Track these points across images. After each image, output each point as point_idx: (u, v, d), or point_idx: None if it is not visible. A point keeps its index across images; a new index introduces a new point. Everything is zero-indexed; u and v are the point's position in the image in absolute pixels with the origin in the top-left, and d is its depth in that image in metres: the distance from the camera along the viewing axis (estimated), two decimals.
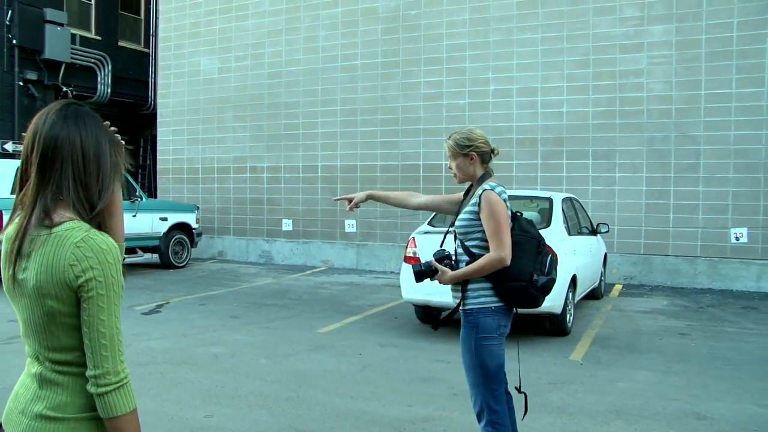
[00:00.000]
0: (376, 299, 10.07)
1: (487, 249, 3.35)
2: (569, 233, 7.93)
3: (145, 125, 21.83)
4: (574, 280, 7.67)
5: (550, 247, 3.50)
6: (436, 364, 6.38)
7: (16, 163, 11.66)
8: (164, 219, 13.46)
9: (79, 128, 1.65)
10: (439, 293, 7.43)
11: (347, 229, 14.00)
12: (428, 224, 8.07)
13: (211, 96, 15.89)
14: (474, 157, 3.47)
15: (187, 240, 14.03)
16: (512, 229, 3.36)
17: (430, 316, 8.19)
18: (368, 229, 13.82)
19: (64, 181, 1.62)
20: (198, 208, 14.67)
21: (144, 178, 22.82)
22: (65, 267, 1.57)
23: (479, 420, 3.44)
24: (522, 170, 12.35)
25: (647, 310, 9.20)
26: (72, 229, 1.60)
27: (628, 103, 11.52)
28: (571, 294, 7.59)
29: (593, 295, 9.66)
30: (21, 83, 19.06)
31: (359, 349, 6.92)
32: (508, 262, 3.27)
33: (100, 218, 1.71)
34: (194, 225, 14.20)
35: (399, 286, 8.01)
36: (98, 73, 20.68)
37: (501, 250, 3.26)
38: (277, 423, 4.72)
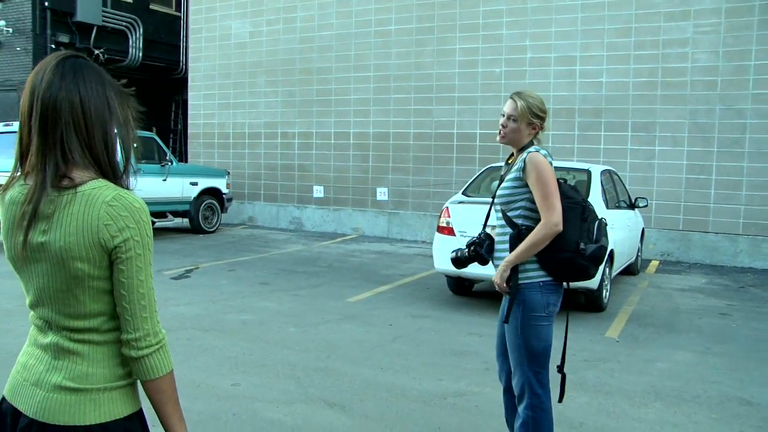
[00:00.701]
0: (407, 269, 9.94)
1: (531, 219, 3.16)
2: (607, 207, 7.69)
3: (176, 89, 21.81)
4: (611, 255, 7.45)
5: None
6: (468, 337, 6.24)
7: None
8: (194, 184, 13.42)
9: (78, 85, 1.53)
10: (472, 264, 7.27)
11: (379, 197, 13.86)
12: (462, 194, 7.87)
13: (243, 60, 15.74)
14: (536, 127, 3.28)
15: (217, 205, 14.00)
16: (562, 195, 3.15)
17: (462, 288, 8.05)
18: (400, 197, 13.66)
19: (70, 144, 1.52)
20: (228, 173, 14.61)
21: (175, 142, 22.86)
22: (99, 227, 1.48)
23: (519, 402, 3.27)
24: (558, 141, 12.05)
25: (685, 287, 8.95)
26: (99, 187, 1.51)
27: (670, 74, 11.12)
28: (607, 269, 7.38)
29: (629, 270, 9.43)
30: (53, 46, 19.07)
31: (390, 320, 6.81)
32: (561, 228, 3.05)
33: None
34: (224, 190, 14.15)
35: (431, 256, 7.87)
36: (129, 36, 20.64)
37: (552, 215, 3.04)
38: (305, 393, 4.62)
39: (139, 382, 1.63)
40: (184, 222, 14.02)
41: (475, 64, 12.79)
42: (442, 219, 7.57)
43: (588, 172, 7.85)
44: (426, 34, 13.30)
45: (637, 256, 9.69)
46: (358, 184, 14.11)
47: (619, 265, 8.13)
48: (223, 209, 14.20)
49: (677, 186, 11.17)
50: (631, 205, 9.07)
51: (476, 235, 3.53)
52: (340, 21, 14.33)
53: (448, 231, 7.44)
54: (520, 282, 3.15)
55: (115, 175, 1.59)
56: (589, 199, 7.09)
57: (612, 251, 7.43)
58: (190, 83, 16.81)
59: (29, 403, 1.57)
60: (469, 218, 7.33)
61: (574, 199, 3.19)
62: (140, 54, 20.81)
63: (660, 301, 8.08)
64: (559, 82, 12.04)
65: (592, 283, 6.98)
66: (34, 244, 1.52)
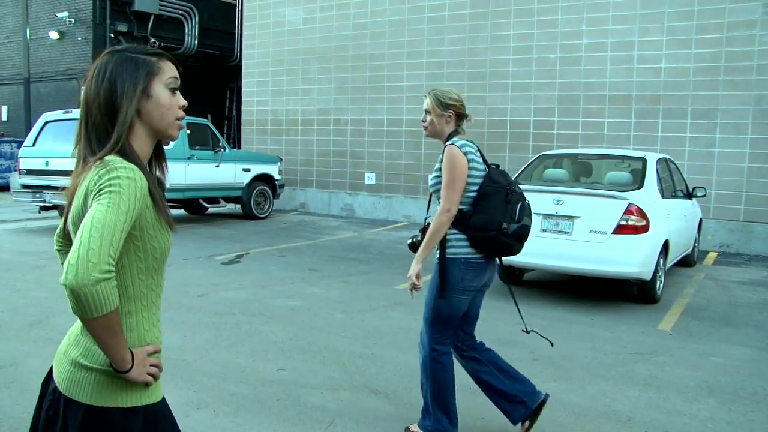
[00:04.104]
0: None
1: (465, 203, 3.51)
2: (663, 196, 7.48)
3: (230, 77, 22.07)
4: (666, 246, 7.25)
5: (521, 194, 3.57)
6: (516, 326, 6.14)
7: None
8: (247, 170, 13.58)
9: (107, 77, 1.65)
10: (523, 253, 7.16)
11: None
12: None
13: (296, 47, 15.81)
14: (450, 116, 3.64)
15: (269, 191, 14.14)
16: (483, 181, 3.49)
17: (513, 277, 7.95)
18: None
19: (94, 134, 1.66)
20: (281, 159, 14.74)
21: (229, 129, 23.16)
22: (88, 194, 1.56)
23: (421, 346, 3.73)
24: (614, 129, 11.78)
25: (744, 281, 8.66)
26: (101, 164, 1.58)
27: (735, 59, 10.72)
28: (662, 260, 7.18)
29: (685, 262, 9.17)
30: (112, 35, 19.50)
31: None
32: (454, 212, 3.43)
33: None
34: (277, 176, 14.28)
35: None
36: (185, 24, 20.95)
37: (446, 203, 3.42)
38: (349, 380, 4.63)
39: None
40: (237, 208, 14.20)
41: (529, 50, 12.58)
42: None
43: (643, 161, 7.64)
44: (480, 20, 13.13)
45: (694, 247, 9.41)
46: (410, 172, 14.06)
47: (674, 256, 7.91)
48: (275, 195, 14.34)
49: (739, 175, 10.79)
50: (689, 195, 8.80)
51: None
52: (393, 7, 14.26)
53: None
54: (448, 256, 3.54)
55: (114, 151, 1.62)
56: (644, 188, 7.00)
57: (667, 241, 7.23)
58: (244, 70, 16.98)
59: (57, 372, 1.71)
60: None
61: (499, 184, 3.50)
62: (196, 42, 21.12)
63: (717, 293, 7.84)
64: (616, 69, 11.74)
65: (646, 274, 6.81)
66: (69, 224, 1.68)
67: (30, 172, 11.68)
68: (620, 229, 6.70)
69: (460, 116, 3.68)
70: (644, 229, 6.72)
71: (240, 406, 4.12)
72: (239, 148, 17.56)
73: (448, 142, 3.55)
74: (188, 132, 12.51)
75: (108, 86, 1.64)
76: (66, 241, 1.84)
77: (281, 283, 7.71)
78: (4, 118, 22.38)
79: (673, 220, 7.61)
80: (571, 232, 6.88)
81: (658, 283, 7.16)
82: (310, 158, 15.72)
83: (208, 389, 4.38)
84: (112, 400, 1.61)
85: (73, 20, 19.72)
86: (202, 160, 12.42)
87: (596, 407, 4.28)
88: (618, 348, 5.57)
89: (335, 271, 8.57)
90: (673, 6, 11.20)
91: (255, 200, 13.83)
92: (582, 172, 8.48)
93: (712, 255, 10.61)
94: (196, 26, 20.99)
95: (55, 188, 11.24)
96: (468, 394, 4.44)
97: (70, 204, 1.65)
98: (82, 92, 1.67)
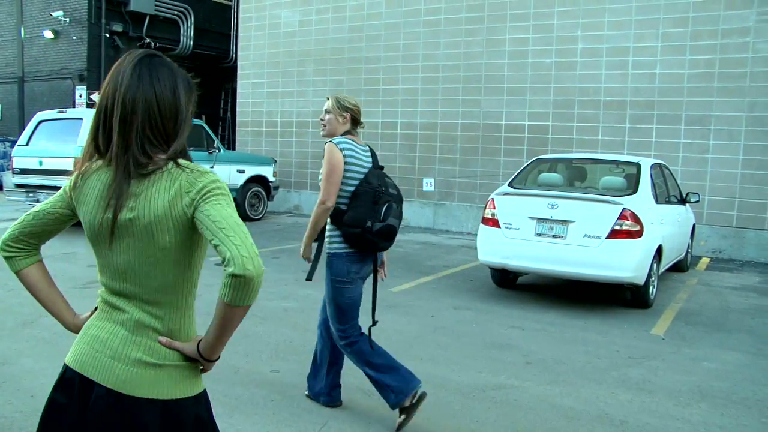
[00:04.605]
0: (451, 260, 9.88)
1: (341, 197, 3.80)
2: (657, 201, 7.51)
3: (225, 78, 22.03)
4: (659, 251, 7.27)
5: (394, 196, 3.90)
6: (510, 330, 6.17)
7: None
8: (241, 171, 13.57)
9: (154, 86, 1.68)
10: (517, 257, 7.22)
11: (425, 188, 13.81)
12: (508, 185, 7.77)
13: (292, 49, 15.82)
14: (347, 119, 3.97)
15: (263, 193, 14.13)
16: (360, 183, 3.78)
17: (506, 280, 7.96)
18: (446, 188, 13.58)
19: (147, 136, 1.67)
20: (275, 161, 14.73)
21: (224, 130, 23.14)
22: (182, 194, 1.62)
23: (337, 342, 4.03)
24: (608, 134, 11.82)
25: (737, 286, 8.70)
26: (177, 167, 1.67)
27: (729, 65, 10.78)
28: (655, 265, 7.21)
29: (678, 267, 9.21)
30: (107, 35, 19.47)
31: (431, 311, 6.77)
32: (330, 204, 3.72)
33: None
34: (271, 178, 14.27)
35: (476, 248, 7.79)
36: (181, 25, 20.93)
37: (322, 195, 3.73)
38: (343, 381, 4.62)
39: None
40: None
41: (525, 54, 12.62)
42: (487, 210, 7.49)
43: (638, 166, 7.67)
44: (475, 24, 13.16)
45: (687, 252, 9.44)
46: (404, 174, 14.07)
47: (667, 261, 7.94)
48: (270, 197, 14.33)
49: (732, 181, 10.84)
50: (682, 200, 8.84)
51: None
52: (389, 10, 14.28)
53: (494, 223, 7.36)
54: (329, 251, 3.86)
55: (184, 156, 1.74)
56: (638, 193, 7.03)
57: (660, 246, 7.26)
58: (239, 72, 16.97)
59: (107, 375, 1.66)
60: (515, 210, 7.24)
61: (371, 185, 3.78)
62: (191, 43, 21.09)
63: (710, 299, 7.87)
64: (611, 74, 11.79)
65: (639, 279, 6.84)
66: (122, 221, 1.65)
67: (23, 171, 11.65)
68: (614, 234, 6.72)
69: (355, 121, 4.02)
70: (638, 234, 6.74)
71: (233, 407, 4.11)
72: (234, 149, 17.53)
73: (329, 140, 3.85)
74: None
75: (172, 92, 1.71)
76: (29, 244, 1.83)
77: (275, 284, 7.70)
78: None
79: (666, 226, 7.64)
80: (566, 237, 6.90)
81: (651, 287, 7.19)
82: (304, 160, 15.71)
83: None
84: (183, 391, 1.71)
85: (68, 19, 19.66)
86: (197, 160, 12.34)
87: (589, 411, 4.29)
88: (611, 352, 5.59)
89: None
90: (668, 12, 11.25)
91: (249, 202, 13.82)
92: (576, 176, 8.51)
93: (705, 260, 10.66)
94: (192, 27, 20.96)
95: (49, 188, 11.20)
96: (461, 397, 4.45)
97: (118, 194, 1.64)
98: (124, 91, 1.67)
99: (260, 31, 16.44)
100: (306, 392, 4.32)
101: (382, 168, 3.99)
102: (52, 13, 19.87)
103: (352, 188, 3.79)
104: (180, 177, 1.65)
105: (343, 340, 3.96)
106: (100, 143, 1.71)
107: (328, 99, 4.05)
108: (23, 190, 11.61)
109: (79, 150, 10.71)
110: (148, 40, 20.09)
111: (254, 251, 1.56)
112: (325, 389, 4.19)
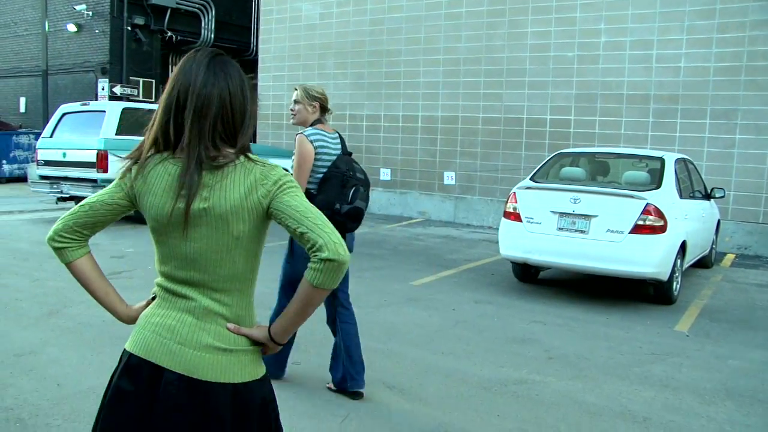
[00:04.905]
0: (472, 254, 9.85)
1: (313, 182, 4.05)
2: (681, 196, 7.42)
3: (246, 71, 21.93)
4: (683, 246, 7.19)
5: (362, 180, 4.12)
6: (532, 324, 6.14)
7: (123, 105, 11.98)
8: None
9: (228, 83, 1.77)
10: (539, 251, 7.17)
11: (446, 181, 13.77)
12: (530, 179, 7.72)
13: (312, 42, 15.81)
14: (316, 107, 4.20)
15: None
16: (329, 168, 4.02)
17: (528, 275, 7.92)
18: (467, 182, 13.53)
19: (219, 130, 1.75)
20: None
21: None
22: (257, 187, 1.71)
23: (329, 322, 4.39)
24: (631, 128, 11.70)
25: (763, 283, 8.59)
26: (248, 160, 1.76)
27: (757, 58, 10.59)
28: (679, 261, 7.13)
29: (702, 263, 9.10)
30: (129, 28, 19.59)
31: (453, 304, 6.76)
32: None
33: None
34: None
35: (497, 242, 7.75)
36: (202, 18, 21.00)
37: None
38: (365, 375, 4.63)
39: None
40: None
41: (547, 47, 12.52)
42: (509, 204, 7.45)
43: (662, 160, 7.59)
44: (497, 17, 13.08)
45: (712, 248, 9.34)
46: (425, 168, 14.04)
47: (691, 257, 7.85)
48: None
49: (759, 177, 10.69)
50: (707, 196, 8.73)
51: None
52: (410, 3, 14.22)
53: (515, 217, 7.32)
54: None
55: (245, 150, 1.80)
56: (662, 188, 6.95)
57: (684, 242, 7.18)
58: (260, 65, 17.00)
59: (177, 361, 1.72)
60: (537, 204, 7.19)
61: (340, 170, 4.02)
62: (212, 36, 21.17)
63: (735, 296, 7.77)
64: (634, 67, 11.66)
65: (662, 275, 6.77)
66: (195, 211, 1.70)
67: (48, 163, 11.76)
68: (637, 229, 6.66)
69: (324, 108, 4.24)
70: (662, 229, 6.67)
71: None
72: (254, 142, 17.59)
73: (300, 131, 4.09)
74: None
75: (241, 90, 1.80)
76: (82, 235, 1.84)
77: None
78: (23, 109, 22.53)
79: (690, 221, 7.55)
80: (588, 231, 6.85)
81: (675, 283, 7.11)
82: None
83: None
84: (250, 374, 1.78)
85: (90, 13, 19.81)
86: None
87: (612, 407, 4.25)
88: (634, 348, 5.54)
89: (350, 266, 8.56)
90: (694, 5, 11.09)
91: None
92: (599, 171, 8.44)
93: (730, 257, 10.53)
94: (213, 20, 21.04)
95: (72, 179, 11.31)
96: (483, 391, 4.44)
97: (190, 184, 1.70)
98: (200, 87, 1.74)
99: (281, 24, 16.45)
100: (328, 384, 4.36)
101: (350, 154, 4.21)
102: (75, 7, 20.04)
103: (321, 174, 4.03)
104: (254, 169, 1.73)
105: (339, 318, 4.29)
106: (170, 135, 1.75)
107: (296, 90, 4.25)
108: (47, 181, 11.73)
109: (102, 142, 10.82)
110: (169, 34, 20.20)
111: (341, 238, 1.66)
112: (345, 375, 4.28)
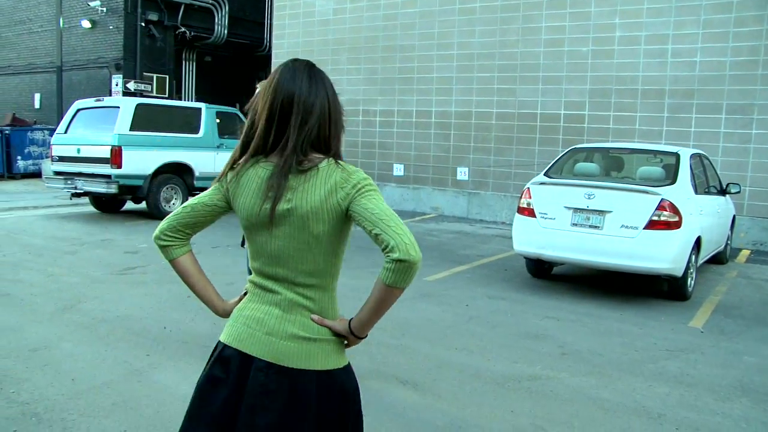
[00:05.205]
0: (485, 249, 9.83)
1: None
2: (696, 192, 7.37)
3: (259, 67, 22.12)
4: (698, 242, 7.14)
5: None
6: (545, 320, 6.12)
7: (137, 100, 12.02)
8: None
9: (327, 92, 1.92)
10: (553, 247, 7.14)
11: (459, 177, 13.74)
12: (544, 175, 7.69)
13: (326, 37, 15.81)
14: None
15: None
16: None
17: (541, 270, 7.90)
18: (480, 177, 13.49)
19: (317, 135, 1.88)
20: None
21: None
22: (336, 190, 1.82)
23: None
24: (645, 123, 11.62)
25: None
26: (332, 164, 1.86)
27: None
28: (694, 256, 7.08)
29: (717, 259, 9.03)
30: (143, 24, 19.66)
31: (466, 300, 6.74)
32: None
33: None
34: None
35: (510, 237, 7.73)
36: (216, 14, 21.04)
37: None
38: (377, 370, 4.63)
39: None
40: None
41: (561, 42, 12.45)
42: (523, 200, 7.42)
43: (677, 156, 7.53)
44: (511, 12, 13.02)
45: (727, 244, 9.26)
46: (438, 163, 14.01)
47: (706, 253, 7.79)
48: None
49: None
50: (722, 191, 8.66)
51: None
52: None
53: (529, 212, 7.29)
54: None
55: (339, 156, 1.93)
56: (677, 183, 6.90)
57: (699, 238, 7.12)
58: (273, 60, 17.01)
59: (266, 349, 1.87)
60: (551, 200, 7.16)
61: None
62: (225, 31, 21.21)
63: (750, 292, 7.71)
64: (649, 62, 11.57)
65: (677, 271, 6.72)
66: (280, 211, 1.83)
67: (62, 159, 11.83)
68: (652, 225, 6.61)
69: None
70: (677, 225, 6.63)
71: None
72: None
73: None
74: (218, 121, 12.57)
75: (335, 101, 1.94)
76: (185, 234, 2.01)
77: None
78: (37, 105, 22.68)
79: (706, 217, 7.50)
80: (602, 227, 6.81)
81: (689, 279, 7.06)
82: None
83: None
84: (334, 363, 1.90)
85: (104, 9, 19.90)
86: (232, 148, 12.45)
87: (626, 403, 4.23)
88: (648, 344, 5.51)
89: (363, 261, 8.56)
90: None
91: None
92: (613, 166, 8.39)
93: (745, 253, 10.45)
94: (226, 16, 21.07)
95: (87, 175, 11.37)
96: (496, 387, 4.43)
97: (277, 187, 1.83)
98: (305, 97, 1.87)
99: (294, 19, 16.46)
100: None
101: None
102: (89, 3, 20.13)
103: None
104: (334, 173, 1.84)
105: None
106: (269, 141, 1.88)
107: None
108: (62, 177, 11.80)
109: (116, 138, 10.88)
110: (183, 30, 20.26)
111: (413, 239, 1.75)
112: None
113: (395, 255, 1.71)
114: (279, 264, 1.88)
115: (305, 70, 1.91)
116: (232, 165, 1.95)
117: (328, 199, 1.82)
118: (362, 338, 1.93)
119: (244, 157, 1.92)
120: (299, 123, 1.85)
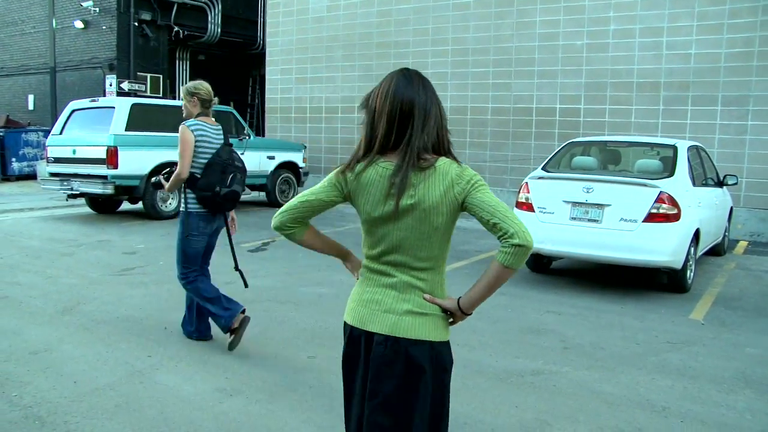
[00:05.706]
0: (483, 245, 9.82)
1: (195, 168, 4.68)
2: (694, 184, 7.37)
3: (253, 65, 22.08)
4: (697, 234, 7.15)
5: (241, 168, 4.90)
6: (546, 315, 6.12)
7: (132, 100, 11.97)
8: (271, 157, 13.59)
9: (436, 97, 2.15)
10: (551, 241, 7.14)
11: None
12: (542, 169, 7.68)
13: (320, 35, 15.77)
14: (195, 102, 4.79)
15: (293, 179, 14.14)
16: (212, 156, 4.69)
17: (541, 265, 7.89)
18: (477, 172, 13.42)
19: (433, 136, 2.11)
20: (305, 147, 14.73)
21: (252, 117, 23.21)
22: (453, 186, 2.05)
23: (180, 280, 4.94)
24: (641, 116, 11.63)
25: None
26: (447, 162, 2.09)
27: None
28: (693, 249, 7.09)
29: (715, 251, 9.05)
30: (136, 24, 19.58)
31: None
32: (184, 176, 4.63)
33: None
34: (301, 164, 14.27)
35: None
36: (209, 12, 20.98)
37: (179, 168, 4.63)
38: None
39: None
40: (261, 195, 14.23)
41: (555, 36, 12.44)
42: (521, 194, 7.41)
43: (674, 148, 7.53)
44: (505, 6, 13.00)
45: (724, 236, 9.28)
46: None
47: (704, 245, 7.80)
48: (300, 183, 14.34)
49: None
50: (719, 183, 8.67)
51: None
52: None
53: (527, 207, 7.28)
54: (185, 210, 4.78)
55: (452, 155, 2.16)
56: (675, 176, 6.90)
57: (698, 230, 7.13)
58: (267, 58, 16.98)
59: (383, 325, 2.12)
60: (549, 194, 7.16)
61: (221, 158, 4.73)
62: (219, 30, 21.14)
63: (749, 283, 7.72)
64: (644, 55, 11.58)
65: (676, 263, 6.73)
66: (404, 206, 2.06)
67: (57, 160, 11.78)
68: (651, 218, 6.61)
69: (204, 101, 4.80)
70: (675, 217, 6.63)
71: (272, 393, 4.13)
72: (263, 135, 17.58)
73: (184, 122, 4.68)
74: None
75: (442, 107, 2.17)
76: (303, 221, 2.27)
77: (308, 270, 7.72)
78: (31, 107, 22.59)
79: (704, 209, 7.50)
80: (601, 221, 6.81)
81: (688, 272, 7.07)
82: (334, 146, 15.70)
83: (240, 376, 4.40)
84: (441, 335, 2.15)
85: (97, 9, 19.82)
86: None
87: (630, 397, 4.23)
88: (649, 337, 5.51)
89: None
90: None
91: (279, 188, 13.84)
92: (610, 159, 8.39)
93: (743, 244, 10.47)
94: (219, 14, 21.01)
95: (83, 176, 11.32)
96: (499, 383, 4.42)
97: (400, 184, 2.03)
98: (423, 103, 2.09)
99: (288, 17, 16.41)
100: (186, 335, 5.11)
101: (231, 145, 4.91)
102: (82, 3, 20.05)
103: (205, 160, 4.67)
104: (450, 171, 2.07)
105: (183, 279, 4.86)
106: (390, 142, 2.09)
107: (183, 87, 4.91)
108: (57, 178, 11.74)
109: (112, 138, 10.83)
110: (176, 29, 20.18)
111: (526, 227, 2.00)
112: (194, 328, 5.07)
113: (515, 240, 1.96)
114: (398, 252, 2.12)
115: (419, 79, 2.15)
116: (352, 162, 2.15)
117: (447, 194, 2.05)
118: (468, 315, 2.16)
119: (367, 157, 2.12)
120: (421, 126, 2.07)
